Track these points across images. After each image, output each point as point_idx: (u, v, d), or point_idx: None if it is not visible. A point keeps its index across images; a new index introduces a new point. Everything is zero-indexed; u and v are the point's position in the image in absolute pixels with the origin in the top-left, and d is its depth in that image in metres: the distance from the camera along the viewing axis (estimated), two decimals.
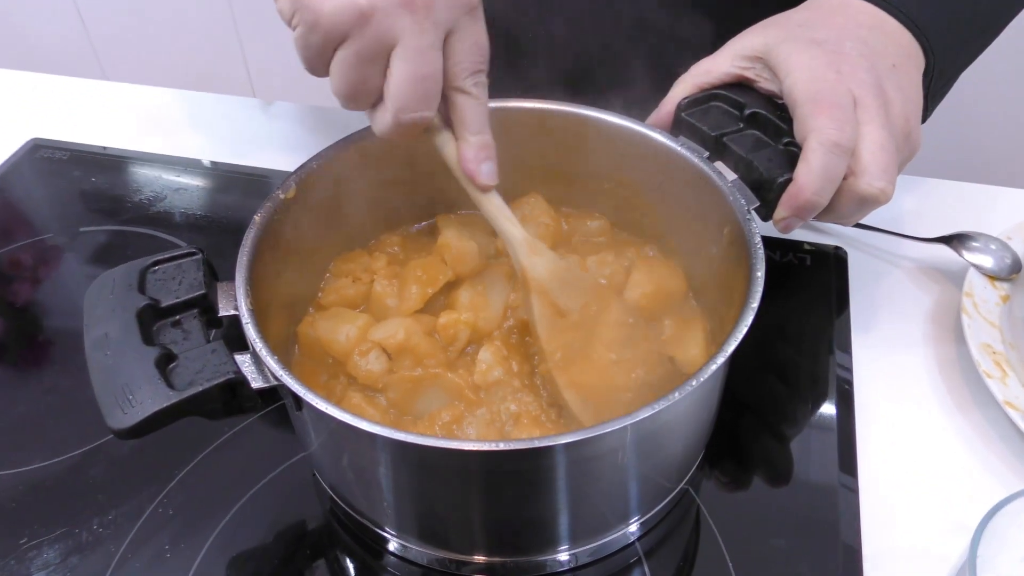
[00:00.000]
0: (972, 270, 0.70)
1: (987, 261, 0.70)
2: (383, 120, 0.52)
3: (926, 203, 0.81)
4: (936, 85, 0.63)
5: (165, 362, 0.46)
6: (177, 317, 0.50)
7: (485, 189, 0.56)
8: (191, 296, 0.50)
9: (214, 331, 0.50)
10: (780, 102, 0.60)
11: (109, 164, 0.90)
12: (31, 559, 0.56)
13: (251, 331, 0.48)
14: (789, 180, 0.55)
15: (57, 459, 0.62)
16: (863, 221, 0.76)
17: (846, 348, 0.68)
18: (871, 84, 0.56)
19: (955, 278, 0.73)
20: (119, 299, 0.49)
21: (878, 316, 0.71)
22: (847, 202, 0.57)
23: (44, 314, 0.75)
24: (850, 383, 0.66)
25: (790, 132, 0.58)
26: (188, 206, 0.84)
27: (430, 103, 0.51)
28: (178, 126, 0.95)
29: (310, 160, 0.60)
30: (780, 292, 0.73)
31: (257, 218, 0.55)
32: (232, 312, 0.50)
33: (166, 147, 0.91)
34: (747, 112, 0.60)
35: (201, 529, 0.57)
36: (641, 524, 0.56)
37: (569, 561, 0.55)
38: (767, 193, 0.57)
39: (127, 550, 0.56)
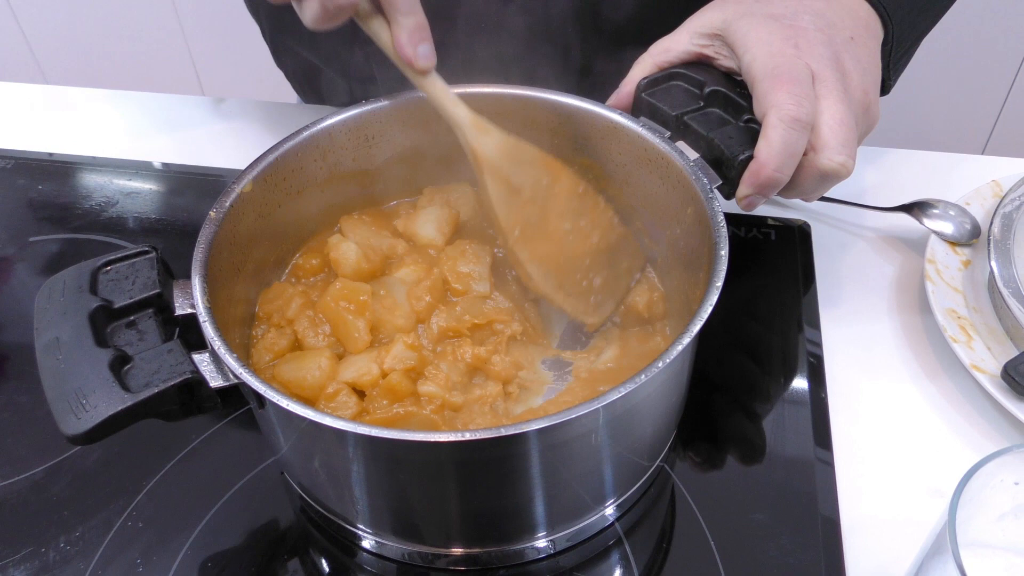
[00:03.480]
0: (933, 237, 0.70)
1: (947, 227, 0.71)
2: (311, 8, 0.52)
3: (885, 173, 0.82)
4: (896, 53, 0.63)
5: (119, 364, 0.45)
6: (131, 318, 0.48)
7: (424, 72, 0.56)
8: (145, 296, 0.49)
9: (176, 331, 0.49)
10: (739, 79, 0.60)
11: (56, 171, 0.87)
12: None
13: (209, 329, 0.47)
14: (750, 157, 0.55)
15: (18, 477, 0.60)
16: (825, 193, 0.77)
17: (814, 322, 0.68)
18: (828, 58, 0.56)
19: (917, 246, 0.74)
20: (70, 302, 0.48)
21: (844, 288, 0.71)
22: (808, 177, 0.56)
23: None
24: (820, 357, 0.66)
25: (750, 109, 0.57)
26: (141, 210, 0.82)
27: None
28: (126, 128, 0.93)
29: (266, 153, 0.59)
30: (746, 269, 0.73)
31: (213, 214, 0.54)
32: (189, 311, 0.49)
33: (115, 150, 0.89)
34: (707, 90, 0.60)
35: (173, 540, 0.56)
36: (618, 506, 0.56)
37: (548, 547, 0.54)
38: (729, 171, 0.57)
39: (97, 566, 0.55)
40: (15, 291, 0.76)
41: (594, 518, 0.55)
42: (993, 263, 0.65)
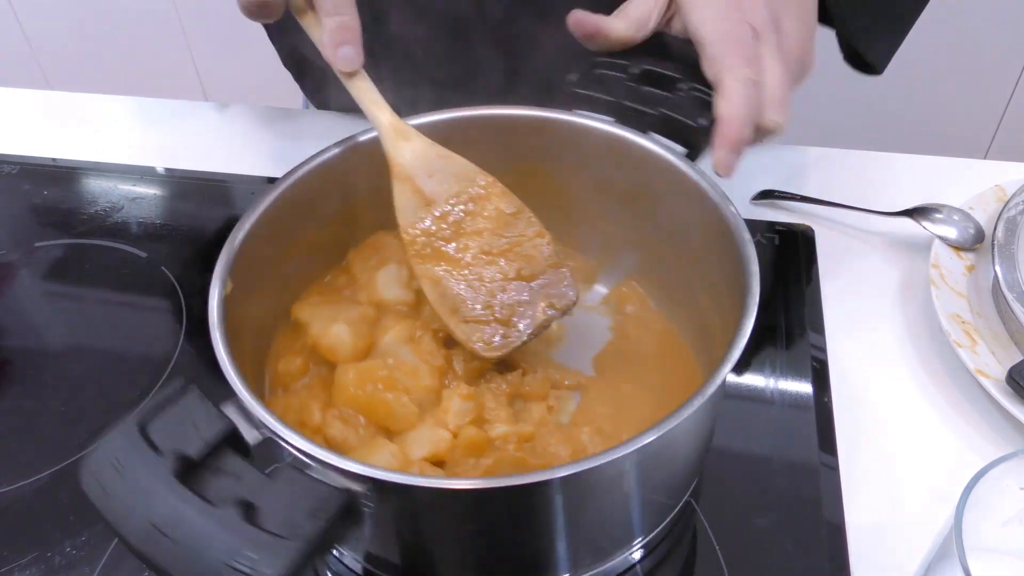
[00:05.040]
0: (937, 242, 0.71)
1: (951, 232, 0.71)
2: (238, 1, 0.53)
3: (889, 178, 0.82)
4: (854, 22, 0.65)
5: (249, 517, 0.38)
6: (211, 463, 0.40)
7: (345, 75, 0.55)
8: (217, 434, 0.41)
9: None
10: (656, 51, 0.60)
11: (60, 176, 0.87)
12: None
13: (302, 443, 0.41)
14: (711, 123, 0.56)
15: (24, 482, 0.60)
16: (829, 198, 0.77)
17: (819, 327, 0.68)
18: (769, 20, 0.58)
19: (921, 250, 0.74)
20: (141, 477, 0.39)
21: (848, 292, 0.72)
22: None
23: (1, 334, 0.72)
24: (824, 362, 0.66)
25: (684, 79, 0.58)
26: (146, 215, 0.82)
27: None
28: (129, 134, 0.93)
29: (244, 221, 0.54)
30: None
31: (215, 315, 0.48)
32: (265, 435, 0.43)
33: (118, 156, 0.89)
34: (634, 71, 0.60)
35: None
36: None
37: None
38: (691, 138, 0.57)
39: (102, 571, 0.55)
40: (20, 297, 0.76)
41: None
42: (997, 268, 0.65)
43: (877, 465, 0.60)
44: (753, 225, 0.76)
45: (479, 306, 0.55)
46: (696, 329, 0.61)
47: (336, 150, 0.59)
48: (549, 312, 0.56)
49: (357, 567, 0.55)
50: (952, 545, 0.41)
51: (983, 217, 0.72)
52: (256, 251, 0.54)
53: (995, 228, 0.68)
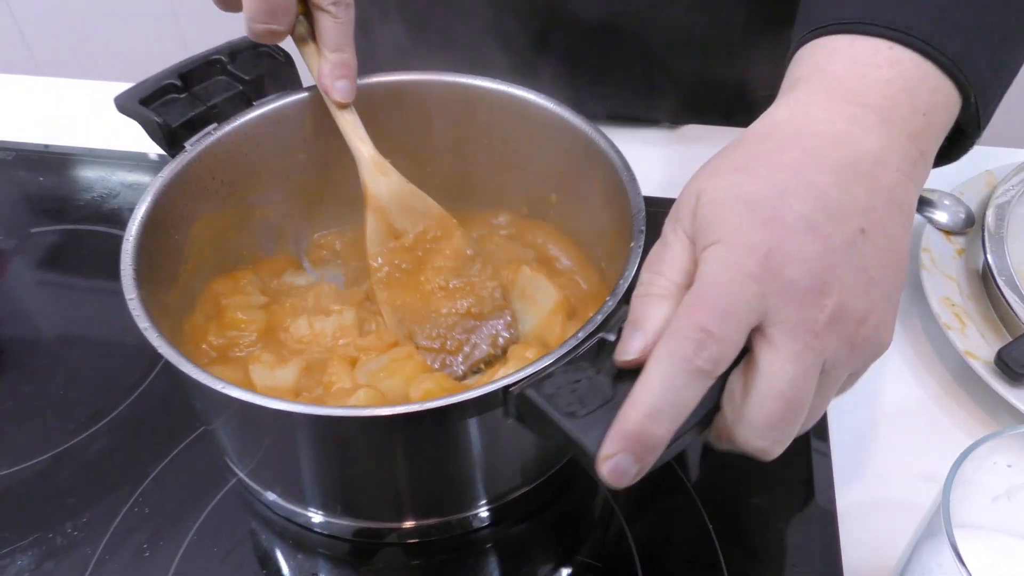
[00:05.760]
0: (928, 226, 0.71)
1: (942, 217, 0.72)
2: (245, 25, 0.57)
3: None
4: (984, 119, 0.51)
5: None
6: None
7: (339, 106, 0.59)
8: None
9: None
10: None
11: (55, 163, 0.87)
12: (3, 568, 0.55)
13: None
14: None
15: (24, 464, 0.60)
16: None
17: None
18: (808, 287, 0.38)
19: (912, 235, 0.74)
20: None
21: None
22: (720, 439, 0.42)
23: None
24: None
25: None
26: None
27: (277, 18, 0.55)
28: (121, 120, 0.93)
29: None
30: None
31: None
32: None
33: (112, 142, 0.89)
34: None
35: (180, 526, 0.56)
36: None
37: (489, 517, 0.55)
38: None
39: (104, 552, 0.55)
40: (14, 283, 0.76)
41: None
42: (987, 253, 0.66)
43: (868, 446, 0.61)
44: None
45: (433, 335, 0.60)
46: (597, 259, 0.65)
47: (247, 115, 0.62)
48: (491, 350, 0.61)
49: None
50: (940, 522, 0.41)
51: (974, 202, 0.73)
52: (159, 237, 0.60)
53: (985, 214, 0.69)
